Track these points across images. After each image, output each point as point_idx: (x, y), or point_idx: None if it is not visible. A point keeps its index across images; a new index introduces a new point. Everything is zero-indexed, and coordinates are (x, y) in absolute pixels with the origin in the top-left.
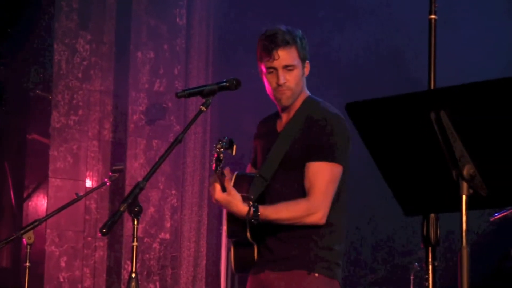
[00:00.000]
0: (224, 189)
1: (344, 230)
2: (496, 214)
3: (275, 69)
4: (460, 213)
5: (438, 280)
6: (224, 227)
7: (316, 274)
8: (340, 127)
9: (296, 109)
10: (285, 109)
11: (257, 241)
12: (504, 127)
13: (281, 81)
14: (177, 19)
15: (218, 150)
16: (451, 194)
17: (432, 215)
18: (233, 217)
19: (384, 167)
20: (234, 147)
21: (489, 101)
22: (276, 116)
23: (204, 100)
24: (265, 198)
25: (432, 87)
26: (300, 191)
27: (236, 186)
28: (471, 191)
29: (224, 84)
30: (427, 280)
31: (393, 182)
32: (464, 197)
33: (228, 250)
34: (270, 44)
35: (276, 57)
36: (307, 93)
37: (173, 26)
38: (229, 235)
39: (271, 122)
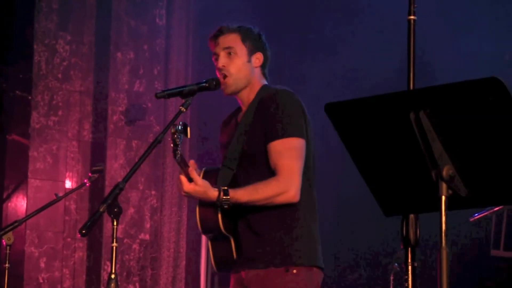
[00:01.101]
0: (190, 180)
1: (316, 206)
2: (476, 214)
3: (217, 54)
4: (439, 214)
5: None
6: (198, 225)
7: (294, 270)
8: (290, 100)
9: (252, 99)
10: (243, 101)
11: (232, 235)
12: (483, 127)
13: (219, 63)
14: (157, 20)
15: (172, 134)
16: (430, 195)
17: (412, 215)
18: (204, 212)
19: (364, 168)
20: (188, 129)
21: (468, 101)
22: (238, 111)
23: (183, 101)
24: (234, 187)
25: (411, 87)
26: (267, 175)
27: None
28: (450, 191)
29: (204, 84)
30: (407, 280)
31: (372, 183)
32: (443, 197)
33: (208, 251)
34: (214, 34)
35: (217, 43)
36: (263, 83)
37: (153, 27)
38: (203, 231)
39: (233, 117)
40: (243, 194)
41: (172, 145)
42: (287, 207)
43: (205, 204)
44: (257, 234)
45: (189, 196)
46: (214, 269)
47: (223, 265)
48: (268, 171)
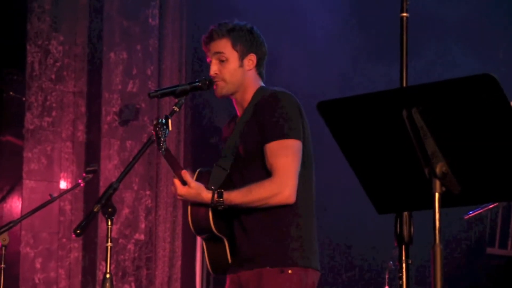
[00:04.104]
0: (184, 183)
1: (314, 207)
2: (471, 212)
3: (211, 61)
4: (433, 211)
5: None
6: (191, 226)
7: (290, 271)
8: (288, 102)
9: (249, 101)
10: (237, 102)
11: (225, 235)
12: (476, 124)
13: (211, 72)
14: (150, 20)
15: (155, 127)
16: (424, 192)
17: (406, 213)
18: (196, 212)
19: (357, 166)
20: (169, 121)
21: (461, 98)
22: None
23: (177, 100)
24: (228, 188)
25: (404, 84)
26: (261, 176)
27: (198, 181)
28: (443, 188)
29: (197, 84)
30: (401, 278)
31: (365, 181)
32: (436, 195)
33: (203, 251)
34: (205, 39)
35: (209, 48)
36: (260, 84)
37: (145, 27)
38: (196, 231)
39: (232, 120)
40: (236, 196)
41: (155, 138)
42: (283, 207)
43: (197, 204)
44: (252, 234)
45: (183, 198)
46: (210, 272)
47: (219, 268)
48: (263, 172)
